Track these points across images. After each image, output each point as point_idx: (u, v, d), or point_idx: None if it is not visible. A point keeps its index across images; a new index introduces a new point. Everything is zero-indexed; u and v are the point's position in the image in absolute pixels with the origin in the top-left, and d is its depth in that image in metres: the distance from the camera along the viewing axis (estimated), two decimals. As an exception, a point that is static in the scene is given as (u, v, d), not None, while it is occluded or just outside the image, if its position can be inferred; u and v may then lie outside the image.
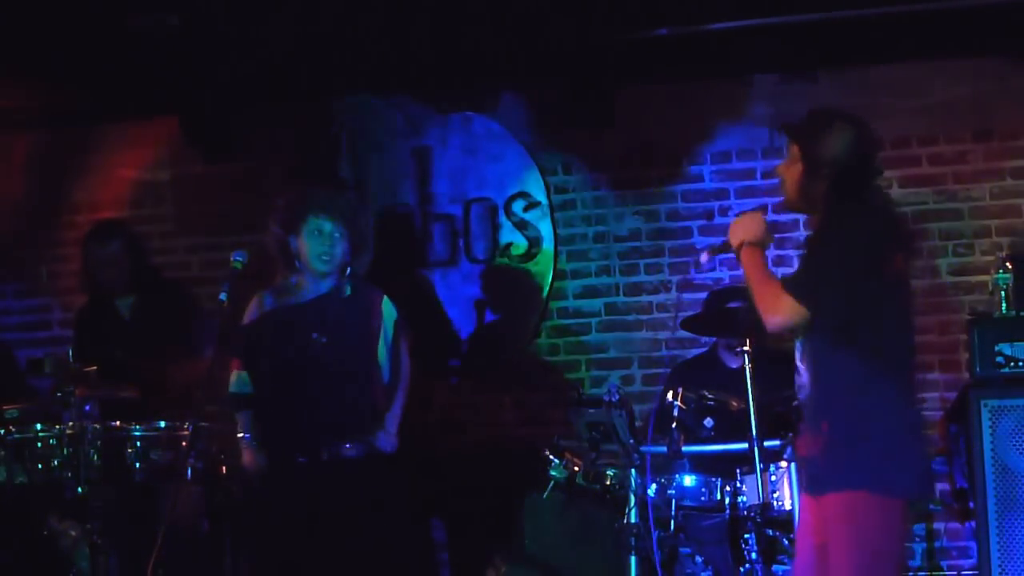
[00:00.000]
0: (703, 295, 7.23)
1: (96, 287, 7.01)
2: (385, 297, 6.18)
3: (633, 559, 5.71)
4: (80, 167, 8.58)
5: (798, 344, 4.64)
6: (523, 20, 6.89)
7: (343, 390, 5.93)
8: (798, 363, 4.66)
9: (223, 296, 5.56)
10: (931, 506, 6.68)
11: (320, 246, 5.92)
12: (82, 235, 8.20)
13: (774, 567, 5.90)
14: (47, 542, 6.58)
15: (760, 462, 5.73)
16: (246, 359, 6.04)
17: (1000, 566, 6.01)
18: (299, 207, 5.95)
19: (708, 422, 6.26)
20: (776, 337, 4.99)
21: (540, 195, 8.08)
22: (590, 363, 7.98)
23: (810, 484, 4.63)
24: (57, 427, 6.18)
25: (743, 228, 4.75)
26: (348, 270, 6.02)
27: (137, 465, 6.11)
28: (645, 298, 7.92)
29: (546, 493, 6.40)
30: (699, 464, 5.97)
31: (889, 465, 4.44)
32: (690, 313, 7.06)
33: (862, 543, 4.43)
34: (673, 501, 5.81)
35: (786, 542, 6.05)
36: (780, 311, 4.47)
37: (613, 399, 5.79)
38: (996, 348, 6.22)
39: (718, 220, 7.76)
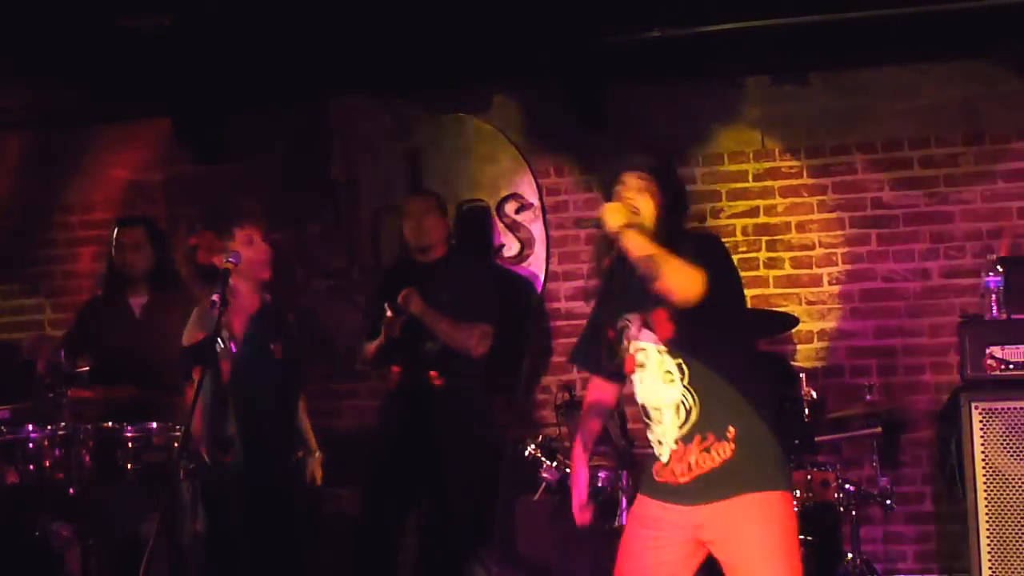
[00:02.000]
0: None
1: (116, 279, 6.99)
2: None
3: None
4: (72, 167, 8.58)
5: (673, 364, 4.53)
6: (515, 22, 6.89)
7: (278, 397, 5.93)
8: (673, 370, 4.54)
9: (216, 297, 5.55)
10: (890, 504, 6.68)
11: (253, 254, 5.87)
12: (76, 235, 8.25)
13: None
14: (39, 542, 6.58)
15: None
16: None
17: (990, 568, 6.03)
18: (219, 222, 5.92)
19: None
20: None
21: (532, 196, 8.09)
22: (582, 364, 7.97)
23: (699, 492, 4.49)
24: (49, 427, 6.17)
25: (614, 212, 4.54)
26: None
27: (129, 466, 6.10)
28: (637, 300, 7.91)
29: (537, 495, 6.42)
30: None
31: (786, 464, 4.61)
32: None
33: (788, 540, 4.49)
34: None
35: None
36: (694, 280, 4.35)
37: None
38: (987, 351, 6.23)
39: (710, 222, 7.78)
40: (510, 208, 8.12)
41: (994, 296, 6.44)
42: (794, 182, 7.81)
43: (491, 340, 7.09)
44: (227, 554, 5.76)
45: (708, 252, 4.50)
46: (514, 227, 8.10)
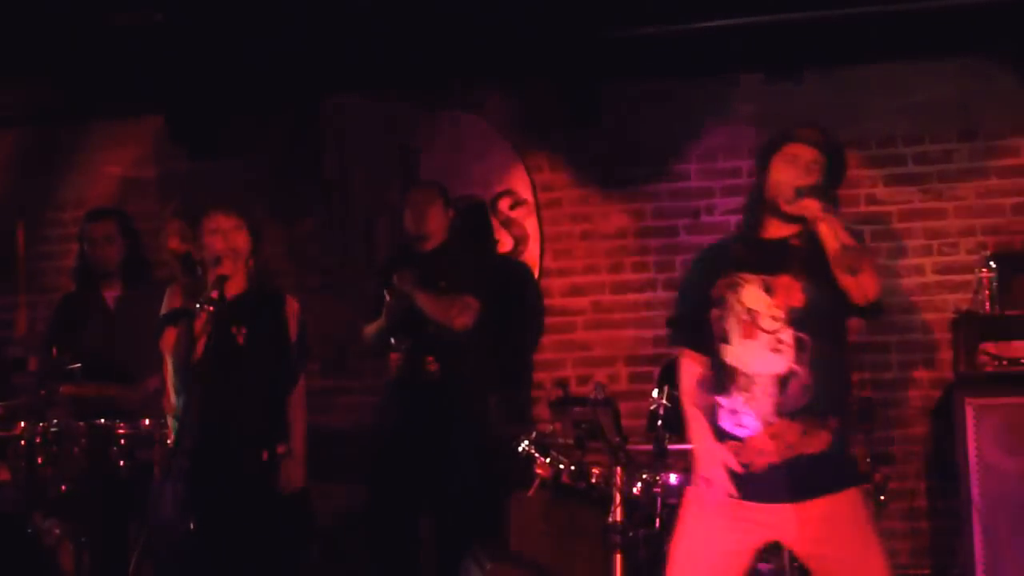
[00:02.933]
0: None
1: (88, 273, 6.97)
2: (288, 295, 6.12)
3: (618, 557, 5.70)
4: (66, 164, 8.58)
5: (791, 336, 4.44)
6: (509, 19, 6.89)
7: (265, 389, 5.88)
8: (789, 341, 4.44)
9: (215, 293, 5.53)
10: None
11: (221, 243, 5.78)
12: (69, 232, 8.22)
13: (760, 565, 5.92)
14: (31, 540, 6.57)
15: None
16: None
17: (984, 564, 6.03)
18: (191, 212, 5.87)
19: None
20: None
21: (526, 193, 8.09)
22: (576, 361, 7.99)
23: (802, 487, 4.38)
24: (41, 425, 6.16)
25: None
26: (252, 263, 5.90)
27: (121, 463, 6.09)
28: (631, 296, 7.93)
29: (532, 491, 6.41)
30: (684, 462, 5.98)
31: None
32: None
33: (876, 536, 4.45)
34: (659, 499, 5.81)
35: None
36: (880, 283, 4.40)
37: (599, 397, 5.79)
38: (980, 347, 6.24)
39: (704, 218, 7.78)
40: (504, 205, 8.12)
41: (987, 292, 6.45)
42: (789, 178, 7.79)
43: (474, 314, 6.93)
44: (217, 551, 5.73)
45: (860, 239, 4.50)
46: (508, 223, 8.10)
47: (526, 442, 6.49)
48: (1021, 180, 7.53)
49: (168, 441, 5.92)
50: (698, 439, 4.65)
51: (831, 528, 4.37)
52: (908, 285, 7.61)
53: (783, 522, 4.40)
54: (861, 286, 4.33)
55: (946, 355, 7.25)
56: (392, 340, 6.96)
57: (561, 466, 6.24)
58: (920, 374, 7.55)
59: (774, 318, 4.44)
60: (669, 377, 6.38)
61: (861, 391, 6.96)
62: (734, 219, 7.70)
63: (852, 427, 4.55)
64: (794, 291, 4.43)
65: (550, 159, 8.12)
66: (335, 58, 7.54)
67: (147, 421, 6.19)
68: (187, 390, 5.54)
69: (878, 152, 7.71)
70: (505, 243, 8.09)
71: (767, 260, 4.50)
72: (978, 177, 7.60)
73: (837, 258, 4.33)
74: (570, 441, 6.16)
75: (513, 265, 8.03)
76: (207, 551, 5.73)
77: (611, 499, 5.81)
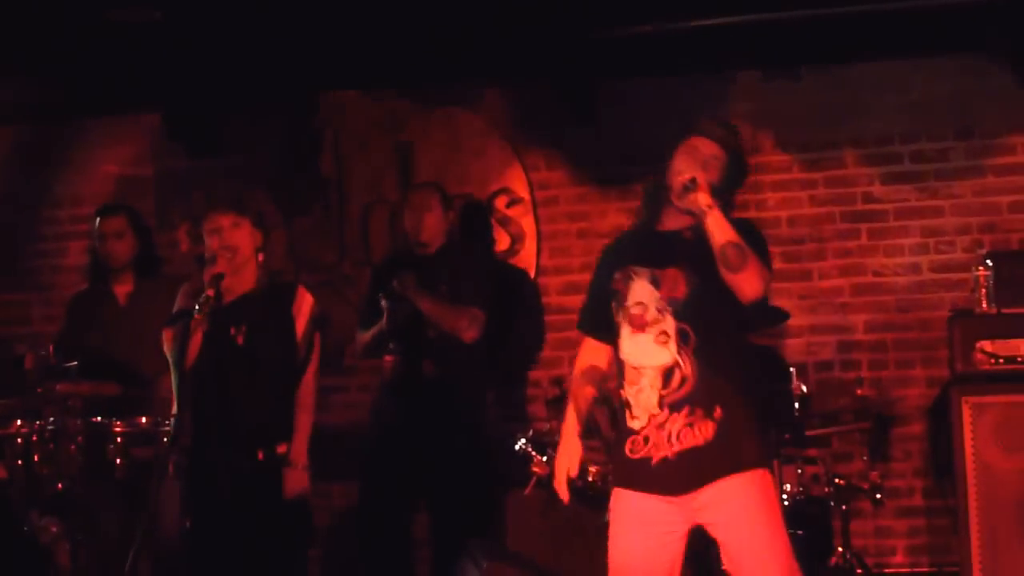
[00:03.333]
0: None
1: (99, 269, 6.97)
2: (302, 287, 6.09)
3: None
4: (62, 162, 8.56)
5: (674, 328, 4.47)
6: (506, 16, 6.89)
7: (265, 388, 5.85)
8: (671, 332, 4.47)
9: (211, 291, 5.53)
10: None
11: (218, 242, 5.80)
12: (65, 230, 8.22)
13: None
14: (28, 538, 6.57)
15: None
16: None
17: (980, 562, 6.03)
18: (196, 213, 5.86)
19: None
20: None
21: (523, 191, 8.09)
22: (573, 359, 7.94)
23: (687, 476, 4.43)
24: (38, 423, 6.16)
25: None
26: (260, 256, 5.90)
27: (118, 461, 6.09)
28: (627, 294, 7.92)
29: (528, 489, 6.41)
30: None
31: (765, 445, 4.60)
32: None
33: (775, 517, 4.48)
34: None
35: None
36: (766, 279, 4.42)
37: (596, 395, 5.79)
38: (977, 345, 6.24)
39: (700, 217, 7.78)
40: (500, 203, 8.12)
41: (984, 290, 6.45)
42: (785, 176, 7.81)
43: (482, 325, 7.00)
44: (213, 550, 5.73)
45: (754, 238, 4.49)
46: (505, 222, 8.10)
47: (523, 440, 6.50)
48: (1018, 178, 7.54)
49: (166, 440, 5.92)
50: (562, 432, 4.89)
51: (725, 514, 4.42)
52: (904, 283, 7.62)
53: (692, 509, 4.46)
54: (741, 284, 4.34)
55: (943, 353, 7.24)
56: (391, 344, 6.96)
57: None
58: (917, 372, 7.56)
59: (659, 310, 4.48)
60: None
61: (858, 389, 6.95)
62: (731, 217, 7.77)
63: (751, 418, 4.48)
64: (679, 282, 4.47)
65: (547, 157, 8.11)
66: (332, 55, 7.53)
67: (144, 419, 6.19)
68: (182, 390, 5.55)
69: (875, 150, 7.71)
70: (502, 241, 8.09)
71: (657, 253, 4.55)
72: (975, 175, 7.60)
73: (720, 255, 4.34)
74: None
75: (510, 270, 8.03)
76: (204, 550, 5.73)
77: (608, 497, 5.82)
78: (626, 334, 4.56)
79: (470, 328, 6.95)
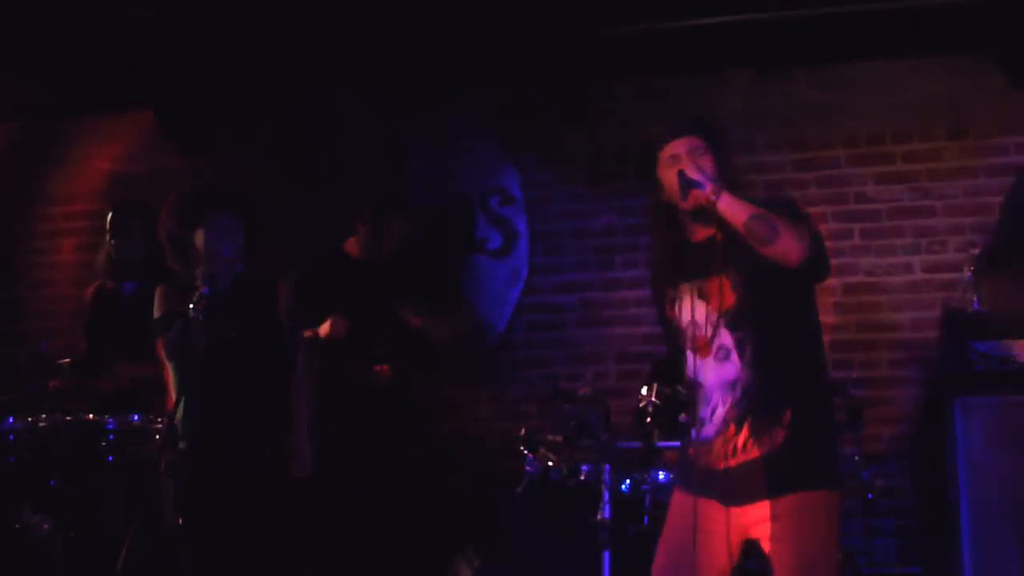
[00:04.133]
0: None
1: (113, 266, 6.95)
2: (281, 283, 6.08)
3: (607, 554, 5.72)
4: (55, 159, 8.56)
5: (731, 341, 4.33)
6: (498, 15, 6.89)
7: (263, 384, 5.84)
8: (729, 345, 4.32)
9: (206, 290, 5.52)
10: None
11: (219, 239, 5.78)
12: (58, 227, 8.20)
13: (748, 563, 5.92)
14: (20, 535, 6.56)
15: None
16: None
17: (972, 562, 6.04)
18: (196, 202, 5.81)
19: (682, 417, 6.28)
20: None
21: (515, 190, 8.09)
22: (566, 358, 7.99)
23: (744, 488, 4.28)
24: (30, 419, 6.15)
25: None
26: (240, 265, 5.81)
27: (111, 459, 6.08)
28: (620, 293, 7.93)
29: (521, 488, 6.42)
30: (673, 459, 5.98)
31: (839, 461, 4.46)
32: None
33: (831, 543, 4.30)
34: (647, 496, 5.82)
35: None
36: (804, 236, 4.22)
37: (588, 394, 5.80)
38: (969, 345, 6.24)
39: (693, 216, 7.78)
40: (493, 202, 8.12)
41: (976, 291, 6.45)
42: (777, 176, 7.81)
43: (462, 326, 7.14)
44: (206, 547, 5.72)
45: (781, 203, 4.34)
46: (498, 221, 8.10)
47: (517, 439, 6.50)
48: (1010, 179, 7.54)
49: (159, 437, 5.92)
50: None
51: (781, 529, 4.23)
52: (897, 283, 7.63)
53: (744, 524, 4.31)
54: (784, 251, 4.16)
55: (935, 354, 7.27)
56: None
57: (550, 463, 6.25)
58: (909, 372, 7.57)
59: (712, 324, 4.33)
60: (659, 375, 6.41)
61: (851, 389, 6.95)
62: (724, 217, 7.78)
63: (826, 424, 4.36)
64: (725, 291, 4.32)
65: (539, 156, 8.12)
66: (324, 54, 7.54)
67: (137, 417, 6.18)
68: (186, 391, 5.54)
69: (867, 150, 7.73)
70: (494, 241, 8.09)
71: (696, 265, 4.38)
72: (967, 176, 7.62)
73: (749, 234, 4.18)
74: (559, 438, 6.17)
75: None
76: (204, 548, 5.73)
77: (600, 496, 5.83)
78: (688, 355, 4.42)
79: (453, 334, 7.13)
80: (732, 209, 4.21)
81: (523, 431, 6.65)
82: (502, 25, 7.04)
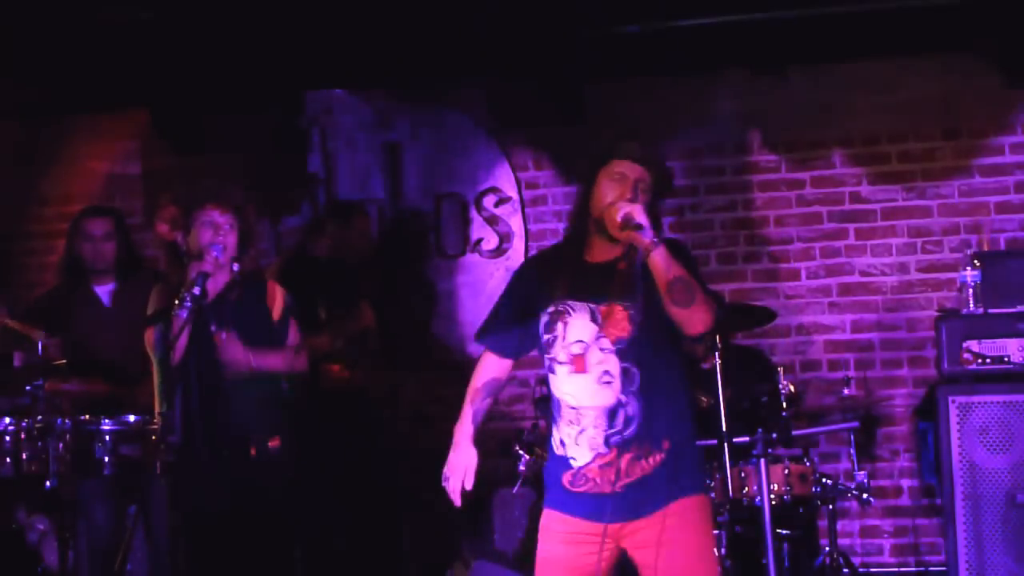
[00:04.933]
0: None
1: (78, 270, 6.93)
2: (271, 281, 6.07)
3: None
4: (50, 159, 8.54)
5: (617, 368, 4.33)
6: (494, 15, 6.89)
7: (255, 384, 5.81)
8: (615, 373, 4.33)
9: (197, 290, 5.51)
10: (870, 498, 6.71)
11: (212, 239, 5.74)
12: (51, 227, 8.18)
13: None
14: (16, 536, 6.56)
15: (728, 458, 5.77)
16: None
17: (968, 562, 6.05)
18: (188, 201, 5.79)
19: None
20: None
21: (511, 190, 8.09)
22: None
23: (631, 507, 4.32)
24: (26, 421, 6.14)
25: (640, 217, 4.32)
26: (236, 266, 5.77)
27: (107, 459, 6.07)
28: (615, 293, 7.92)
29: (515, 488, 6.42)
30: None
31: (704, 467, 4.63)
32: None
33: (709, 540, 4.42)
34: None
35: (753, 537, 6.09)
36: (714, 310, 4.30)
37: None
38: (964, 345, 6.25)
39: (688, 216, 7.79)
40: (489, 202, 8.12)
41: (971, 290, 6.46)
42: (772, 176, 7.82)
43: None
44: (204, 547, 5.71)
45: (690, 263, 4.36)
46: (493, 221, 8.10)
47: (511, 439, 6.51)
48: (1004, 178, 7.56)
49: (154, 438, 5.91)
50: (457, 438, 4.70)
51: (662, 535, 4.28)
52: (892, 283, 7.64)
53: (624, 535, 4.35)
54: (692, 320, 4.23)
55: (930, 353, 7.29)
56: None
57: (546, 463, 6.24)
58: (903, 372, 7.58)
59: (602, 349, 4.32)
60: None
61: (845, 389, 6.96)
62: (719, 217, 7.81)
63: (694, 444, 4.42)
64: (622, 321, 4.30)
65: (535, 156, 8.12)
66: (320, 54, 7.53)
67: (132, 417, 6.17)
68: (170, 388, 5.53)
69: (862, 150, 7.73)
70: (490, 240, 8.09)
71: (594, 287, 4.35)
72: (962, 175, 7.63)
73: (669, 293, 4.21)
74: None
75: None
76: (197, 547, 5.72)
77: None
78: (563, 373, 4.40)
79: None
80: (664, 264, 4.23)
81: (518, 431, 6.65)
82: (498, 24, 7.03)
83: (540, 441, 6.49)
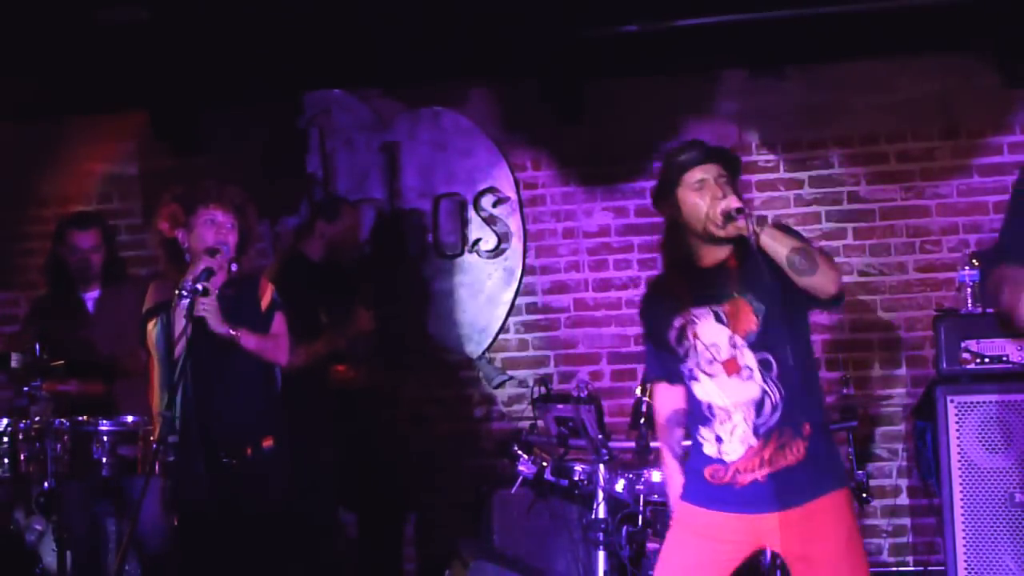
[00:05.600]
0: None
1: (63, 277, 6.93)
2: (264, 278, 6.06)
3: (601, 554, 5.72)
4: (48, 160, 8.53)
5: (755, 360, 4.42)
6: (493, 16, 6.89)
7: (251, 383, 5.81)
8: (752, 366, 4.42)
9: (199, 287, 5.51)
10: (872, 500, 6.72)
11: (214, 236, 5.74)
12: (50, 229, 8.17)
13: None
14: (13, 537, 6.55)
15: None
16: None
17: (965, 561, 6.05)
18: (190, 199, 5.79)
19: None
20: None
21: (509, 190, 8.09)
22: (559, 358, 8.00)
23: (773, 497, 4.38)
24: (24, 422, 6.14)
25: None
26: (234, 266, 5.74)
27: (104, 460, 6.07)
28: (614, 294, 7.93)
29: (514, 488, 6.41)
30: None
31: (841, 459, 4.57)
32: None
33: (859, 534, 4.48)
34: (641, 496, 5.81)
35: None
36: (837, 268, 4.40)
37: (582, 395, 5.80)
38: (962, 344, 6.25)
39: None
40: (487, 202, 8.12)
41: (969, 290, 6.46)
42: (771, 176, 7.83)
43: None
44: (199, 547, 5.71)
45: (789, 229, 4.44)
46: (491, 221, 8.10)
47: (510, 440, 6.49)
48: (1003, 178, 7.55)
49: (152, 438, 5.90)
50: (668, 478, 4.78)
51: (812, 530, 4.37)
52: (891, 283, 7.64)
53: (768, 530, 4.40)
54: (824, 283, 4.31)
55: (928, 353, 7.29)
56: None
57: (544, 463, 6.24)
58: (902, 372, 7.58)
59: (735, 346, 4.42)
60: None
61: (843, 388, 6.97)
62: (716, 216, 7.77)
63: (830, 433, 4.52)
64: (746, 314, 4.41)
65: (533, 156, 8.12)
66: (318, 55, 7.53)
67: (130, 418, 6.17)
68: (170, 385, 5.52)
69: (861, 150, 7.73)
70: (488, 241, 8.09)
71: (713, 290, 4.47)
72: (960, 175, 7.63)
73: (792, 266, 4.30)
74: (553, 439, 6.16)
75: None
76: (192, 547, 5.71)
77: (594, 496, 5.83)
78: (705, 378, 4.49)
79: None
80: (776, 242, 4.32)
81: (517, 431, 6.65)
82: (496, 24, 7.03)
83: (539, 441, 6.49)
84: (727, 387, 4.45)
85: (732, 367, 4.44)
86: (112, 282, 6.84)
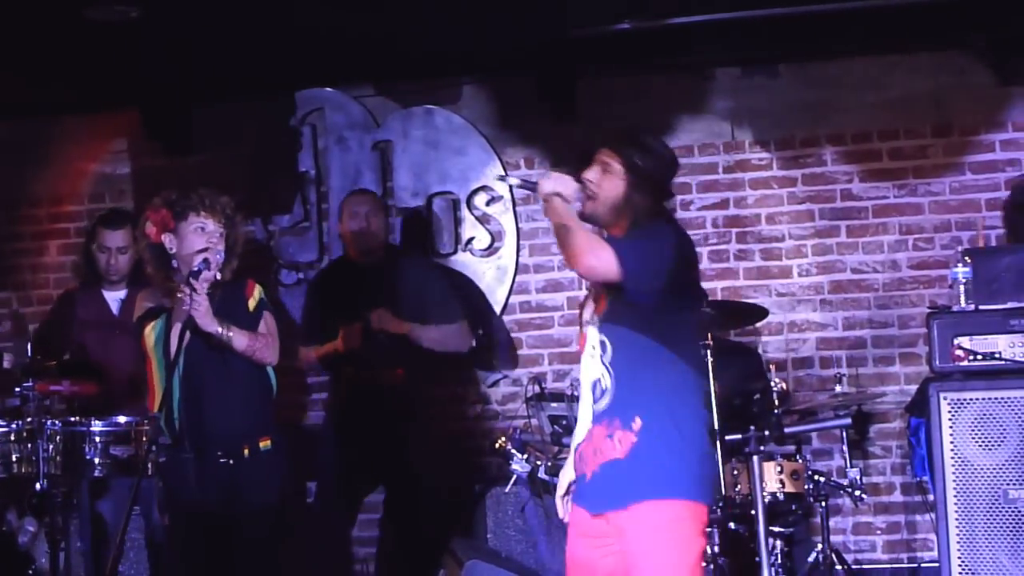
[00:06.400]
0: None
1: (92, 274, 6.92)
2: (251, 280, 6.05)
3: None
4: (40, 160, 8.51)
5: (597, 340, 4.40)
6: (485, 13, 6.88)
7: (246, 384, 5.81)
8: (600, 361, 4.38)
9: (205, 259, 5.52)
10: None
11: (203, 244, 5.71)
12: (43, 228, 8.16)
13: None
14: (6, 538, 6.54)
15: (721, 456, 5.76)
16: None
17: (959, 558, 6.04)
18: (182, 205, 5.79)
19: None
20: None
21: (502, 189, 8.08)
22: (552, 357, 7.99)
23: (601, 497, 4.30)
24: (16, 422, 6.13)
25: (557, 182, 4.51)
26: (219, 275, 5.69)
27: (96, 460, 6.06)
28: (607, 292, 7.92)
29: (508, 487, 6.42)
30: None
31: (706, 472, 4.38)
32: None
33: (684, 553, 4.24)
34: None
35: (746, 535, 6.09)
36: (600, 257, 4.26)
37: (576, 393, 5.80)
38: (955, 341, 6.24)
39: (680, 214, 7.77)
40: (480, 201, 8.11)
41: (962, 287, 6.45)
42: (764, 174, 7.83)
43: (471, 335, 7.38)
44: (194, 547, 5.70)
45: (647, 236, 4.34)
46: (484, 220, 8.09)
47: (503, 438, 6.50)
48: (996, 175, 7.57)
49: (146, 439, 5.90)
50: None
51: (631, 544, 4.23)
52: (884, 280, 7.64)
53: (615, 529, 4.30)
54: (575, 260, 4.35)
55: (922, 350, 7.29)
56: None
57: (538, 462, 6.25)
58: (896, 369, 7.58)
59: (589, 323, 4.45)
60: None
61: (837, 386, 6.97)
62: (710, 214, 7.80)
63: (675, 438, 4.25)
64: (601, 296, 4.44)
65: (527, 154, 8.11)
66: (310, 53, 7.52)
67: (123, 419, 6.16)
68: (168, 386, 5.53)
69: (853, 147, 7.73)
70: (481, 239, 8.08)
71: None
72: (953, 172, 7.63)
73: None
74: (547, 437, 6.16)
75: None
76: (188, 547, 5.71)
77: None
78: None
79: (464, 343, 7.37)
80: (551, 215, 4.50)
81: (510, 430, 6.65)
82: (489, 22, 7.03)
83: (533, 440, 6.49)
84: (583, 364, 4.48)
85: (583, 343, 4.46)
86: (137, 284, 6.82)
